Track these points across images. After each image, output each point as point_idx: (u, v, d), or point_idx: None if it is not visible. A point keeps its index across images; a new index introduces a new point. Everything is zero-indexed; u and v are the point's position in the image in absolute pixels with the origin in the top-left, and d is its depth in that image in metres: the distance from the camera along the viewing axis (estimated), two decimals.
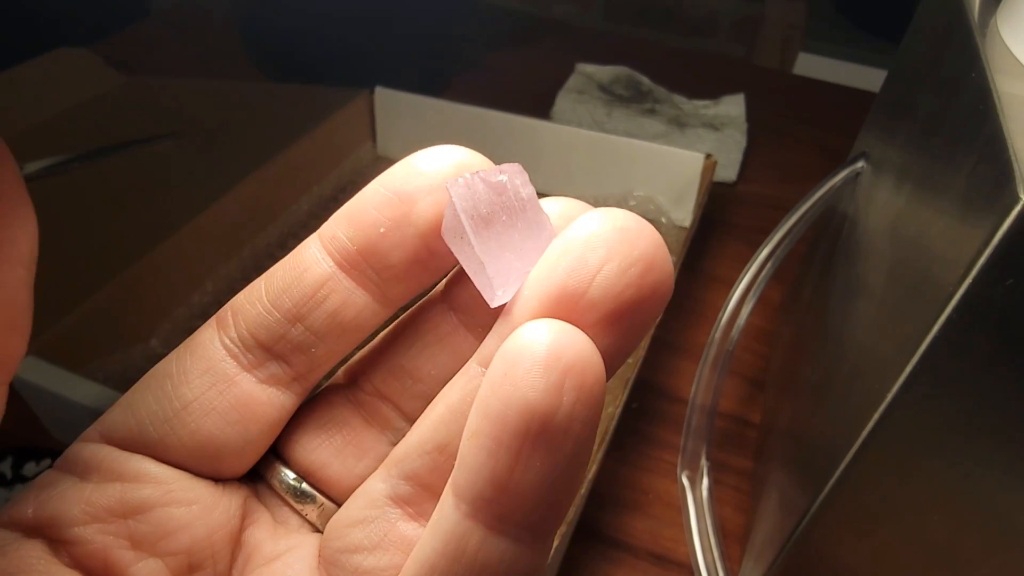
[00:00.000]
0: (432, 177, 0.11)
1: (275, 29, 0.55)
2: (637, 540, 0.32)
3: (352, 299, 0.12)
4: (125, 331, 0.36)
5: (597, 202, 0.48)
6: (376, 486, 0.12)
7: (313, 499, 0.13)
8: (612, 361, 0.10)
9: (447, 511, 0.10)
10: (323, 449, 0.13)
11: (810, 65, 0.69)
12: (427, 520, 0.12)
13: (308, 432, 0.13)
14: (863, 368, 0.21)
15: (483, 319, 0.12)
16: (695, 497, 0.31)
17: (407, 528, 0.12)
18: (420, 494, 0.12)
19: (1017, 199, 0.15)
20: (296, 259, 0.12)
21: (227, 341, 0.12)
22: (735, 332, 0.31)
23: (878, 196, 0.27)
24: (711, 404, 0.30)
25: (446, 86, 0.60)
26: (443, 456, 0.12)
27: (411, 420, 0.13)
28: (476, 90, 0.59)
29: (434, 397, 0.12)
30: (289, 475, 0.13)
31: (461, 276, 0.13)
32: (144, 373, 0.12)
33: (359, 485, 0.13)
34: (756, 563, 0.27)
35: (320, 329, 0.12)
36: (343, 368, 0.14)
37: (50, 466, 0.12)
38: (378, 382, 0.13)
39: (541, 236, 0.11)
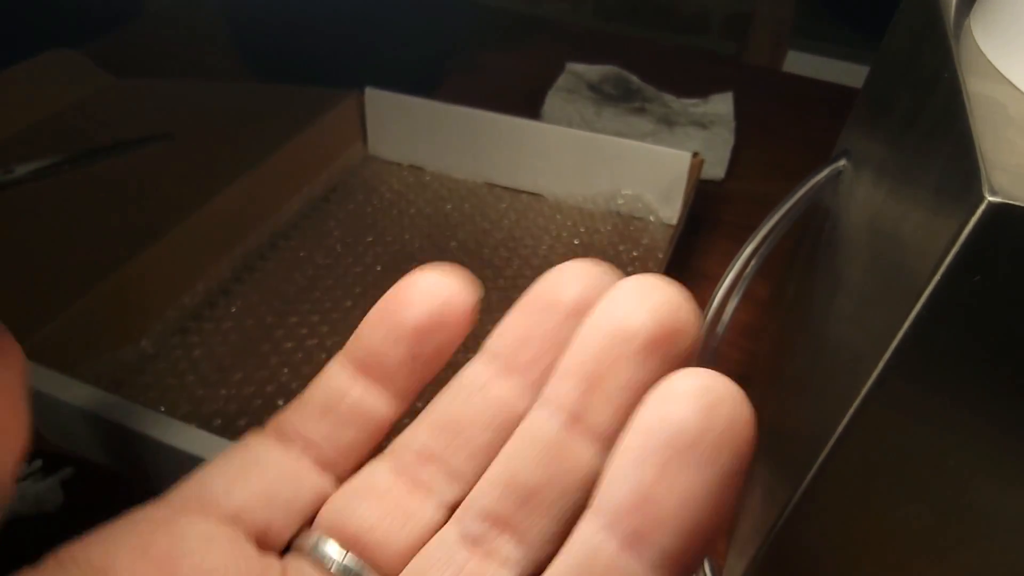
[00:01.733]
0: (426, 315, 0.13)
1: (266, 30, 0.55)
2: None
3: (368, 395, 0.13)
4: (116, 332, 0.36)
5: (586, 200, 0.48)
6: (447, 531, 0.12)
7: (359, 574, 0.13)
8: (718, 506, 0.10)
9: (582, 526, 0.10)
10: (367, 513, 0.13)
11: (799, 62, 0.69)
12: (499, 560, 0.12)
13: (350, 501, 0.13)
14: (840, 362, 0.22)
15: (519, 363, 0.13)
16: None
17: (476, 567, 0.12)
18: (492, 531, 0.12)
19: (982, 198, 0.15)
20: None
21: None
22: (720, 328, 0.32)
23: (858, 192, 0.27)
24: None
25: (436, 86, 0.60)
26: (512, 487, 0.12)
27: (459, 477, 0.13)
28: (466, 90, 0.59)
29: (480, 445, 0.13)
30: (333, 547, 0.13)
31: (504, 326, 0.14)
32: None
33: (408, 552, 0.13)
34: (740, 556, 0.28)
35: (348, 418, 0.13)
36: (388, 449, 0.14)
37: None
38: (422, 443, 0.13)
39: None
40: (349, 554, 0.13)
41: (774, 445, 0.28)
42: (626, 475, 0.10)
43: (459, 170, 0.50)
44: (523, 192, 0.49)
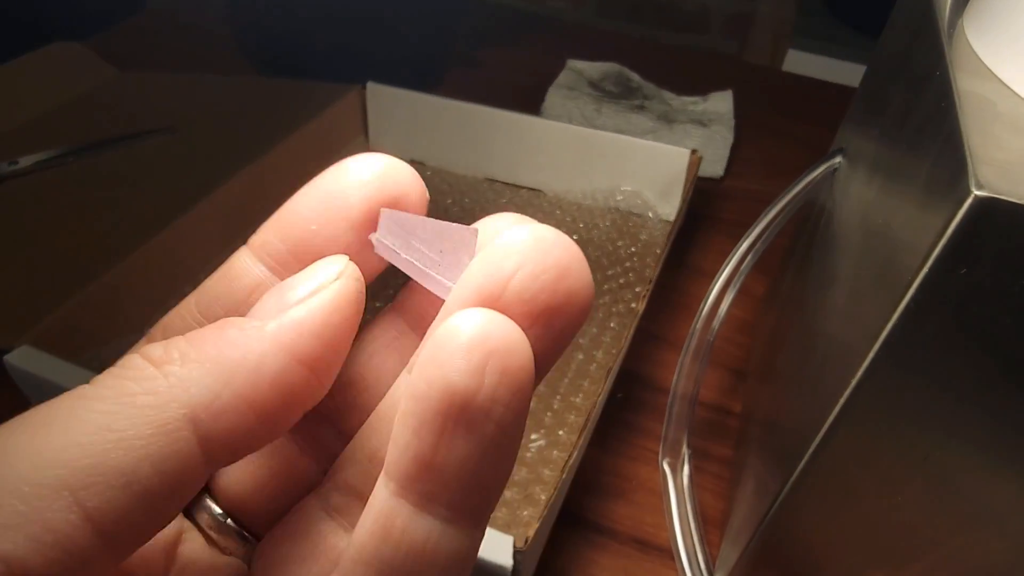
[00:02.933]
0: (361, 174, 0.12)
1: (268, 25, 0.55)
2: (620, 526, 0.33)
3: None
4: (120, 321, 0.37)
5: (585, 196, 0.48)
6: (309, 502, 0.13)
7: (241, 536, 0.13)
8: (536, 363, 0.11)
9: (378, 491, 0.11)
10: (250, 480, 0.13)
11: (799, 62, 0.69)
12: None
13: (236, 465, 0.13)
14: (832, 354, 0.22)
15: (430, 321, 0.12)
16: (676, 484, 0.31)
17: (340, 540, 0.12)
18: (353, 503, 0.12)
19: (969, 192, 0.16)
20: (226, 269, 0.13)
21: None
22: (716, 323, 0.32)
23: (852, 189, 0.27)
24: (692, 393, 0.31)
25: (438, 82, 0.60)
26: (374, 463, 0.12)
27: (348, 431, 0.13)
28: (468, 86, 0.59)
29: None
30: (215, 508, 0.13)
31: (410, 284, 0.13)
32: None
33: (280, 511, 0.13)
34: (733, 546, 0.28)
35: None
36: None
37: None
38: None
39: (466, 236, 0.12)
40: (229, 519, 0.13)
41: (766, 437, 0.29)
42: (408, 443, 0.10)
43: (460, 165, 0.50)
44: (523, 188, 0.49)
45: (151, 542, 0.12)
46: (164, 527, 0.10)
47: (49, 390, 0.30)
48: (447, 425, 0.10)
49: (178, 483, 0.10)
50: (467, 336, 0.10)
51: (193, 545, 0.13)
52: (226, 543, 0.13)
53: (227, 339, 0.10)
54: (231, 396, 0.10)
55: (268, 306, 0.11)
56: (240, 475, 0.13)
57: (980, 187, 0.15)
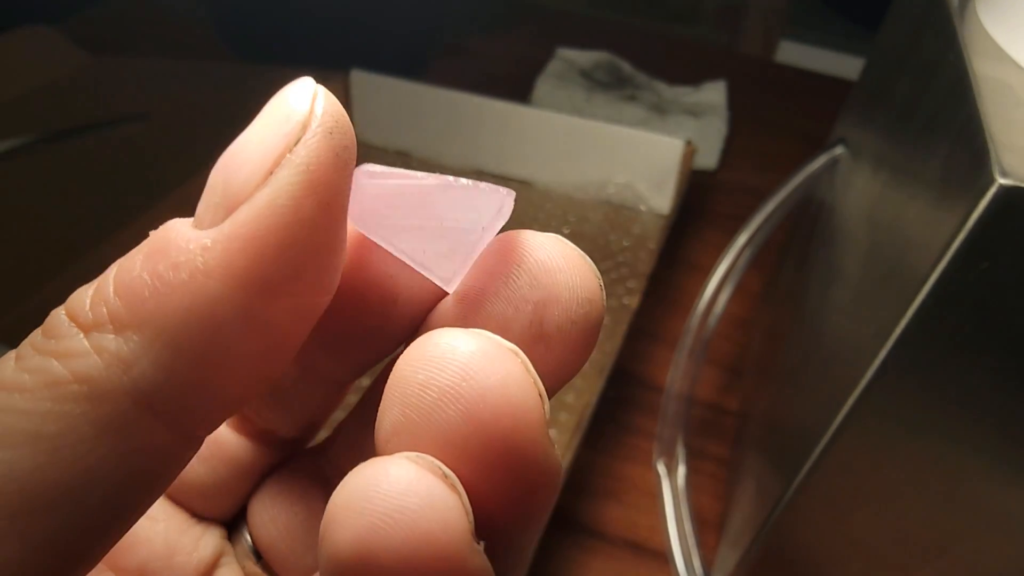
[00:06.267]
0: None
1: (247, 8, 0.54)
2: (613, 528, 0.32)
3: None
4: None
5: (576, 188, 0.47)
6: None
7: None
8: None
9: None
10: (278, 524, 0.12)
11: (792, 53, 0.69)
12: None
13: (273, 499, 0.12)
14: (838, 354, 0.21)
15: None
16: (671, 485, 0.31)
17: None
18: None
19: (992, 181, 0.15)
20: None
21: None
22: (712, 320, 0.31)
23: (856, 182, 0.26)
24: (688, 392, 0.30)
25: (425, 70, 0.59)
26: None
27: None
28: (455, 74, 0.58)
29: None
30: (248, 541, 0.12)
31: None
32: None
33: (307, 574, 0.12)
34: (731, 550, 0.27)
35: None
36: (327, 436, 0.13)
37: None
38: (342, 458, 0.12)
39: (475, 195, 0.09)
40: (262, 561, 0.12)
41: (766, 438, 0.28)
42: None
43: (447, 156, 0.49)
44: (512, 179, 0.48)
45: (184, 562, 0.11)
46: (140, 517, 0.08)
47: None
48: None
49: (148, 479, 0.08)
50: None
51: (232, 569, 0.12)
52: None
53: (162, 284, 0.08)
54: (186, 365, 0.08)
55: (214, 196, 0.08)
56: (270, 516, 0.12)
57: (1005, 175, 0.14)
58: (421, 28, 0.59)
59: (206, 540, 0.12)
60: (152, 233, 0.08)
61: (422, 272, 0.09)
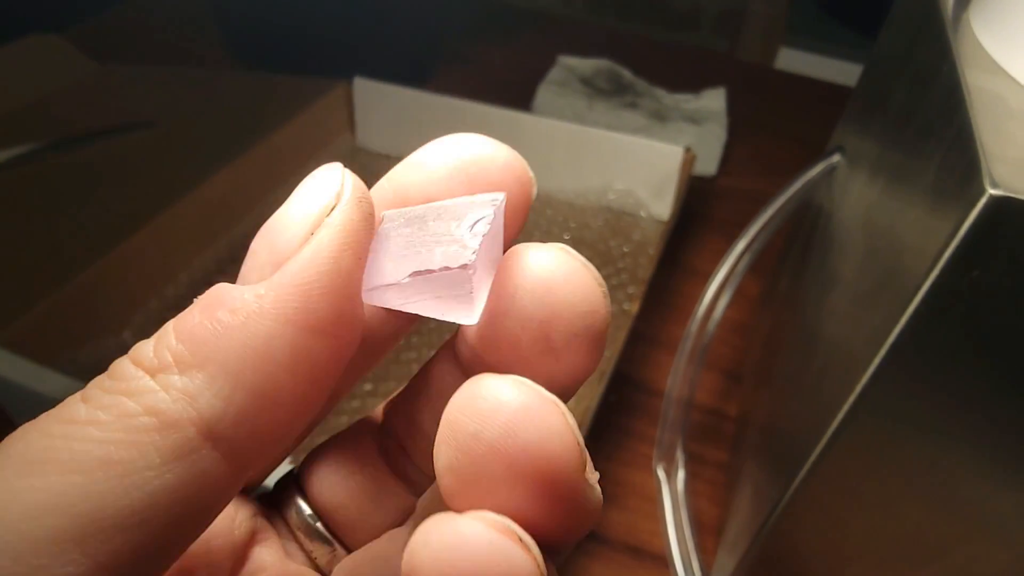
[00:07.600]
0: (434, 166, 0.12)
1: (253, 17, 0.54)
2: (613, 532, 0.32)
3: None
4: (97, 322, 0.35)
5: (576, 195, 0.48)
6: (398, 531, 0.12)
7: (327, 542, 0.12)
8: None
9: None
10: (343, 489, 0.12)
11: (792, 60, 0.69)
12: None
13: (331, 467, 0.12)
14: (834, 360, 0.21)
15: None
16: (671, 489, 0.31)
17: None
18: None
19: (983, 191, 0.15)
20: None
21: None
22: (711, 325, 0.31)
23: (853, 189, 0.27)
24: (687, 397, 0.30)
25: (427, 78, 0.59)
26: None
27: (428, 475, 0.12)
28: (457, 82, 0.58)
29: None
30: (306, 509, 0.12)
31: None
32: None
33: (375, 534, 0.12)
34: (730, 554, 0.27)
35: None
36: (382, 405, 0.13)
37: None
38: (400, 431, 0.12)
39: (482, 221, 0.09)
40: (319, 523, 0.12)
41: (764, 443, 0.28)
42: None
43: None
44: None
45: (220, 541, 0.11)
46: (193, 542, 0.09)
47: (23, 395, 0.29)
48: None
49: (205, 506, 0.09)
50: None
51: (268, 552, 0.12)
52: (311, 546, 0.12)
53: (222, 327, 0.09)
54: (245, 397, 0.09)
55: (260, 259, 0.09)
56: (330, 483, 0.12)
57: (995, 186, 0.15)
58: (423, 36, 0.59)
59: (239, 515, 0.12)
60: (201, 296, 0.09)
61: (444, 320, 0.10)
